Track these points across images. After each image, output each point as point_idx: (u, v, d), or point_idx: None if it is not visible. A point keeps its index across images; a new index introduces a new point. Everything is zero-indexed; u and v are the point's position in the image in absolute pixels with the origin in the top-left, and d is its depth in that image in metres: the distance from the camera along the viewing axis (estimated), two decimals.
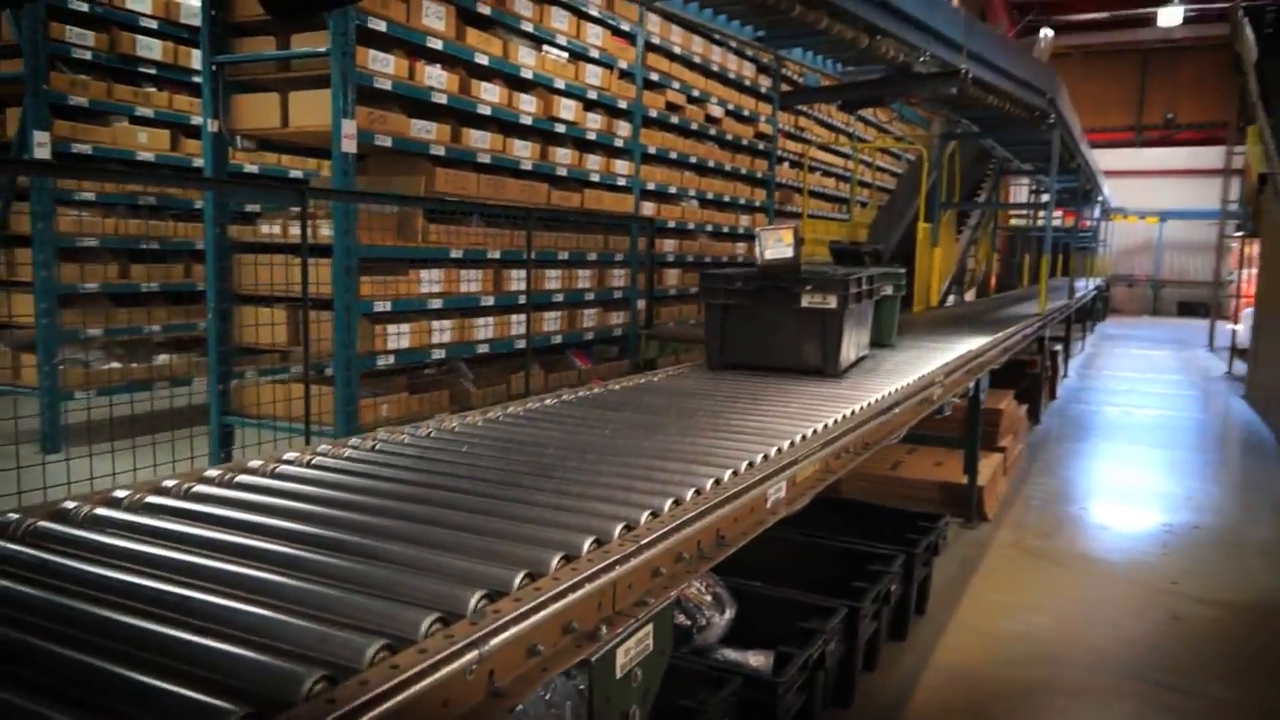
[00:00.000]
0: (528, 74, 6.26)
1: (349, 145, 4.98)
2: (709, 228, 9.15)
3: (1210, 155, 23.33)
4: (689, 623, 2.93)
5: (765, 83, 10.03)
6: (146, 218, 7.01)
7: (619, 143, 7.43)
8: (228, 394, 5.36)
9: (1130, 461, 7.26)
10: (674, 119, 8.27)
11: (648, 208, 7.94)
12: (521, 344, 6.27)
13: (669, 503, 1.88)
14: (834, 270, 4.98)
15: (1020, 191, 20.45)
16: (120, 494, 1.80)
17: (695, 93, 8.58)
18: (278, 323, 5.15)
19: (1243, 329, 12.75)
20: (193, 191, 7.05)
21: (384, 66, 5.19)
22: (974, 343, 5.53)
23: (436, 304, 5.62)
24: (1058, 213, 14.18)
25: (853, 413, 3.02)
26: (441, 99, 5.59)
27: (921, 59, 6.02)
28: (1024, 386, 8.00)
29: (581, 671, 1.55)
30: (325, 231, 5.01)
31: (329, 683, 1.10)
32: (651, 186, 7.95)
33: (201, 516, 1.71)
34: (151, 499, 1.79)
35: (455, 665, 1.21)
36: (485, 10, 5.89)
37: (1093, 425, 8.73)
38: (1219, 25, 20.13)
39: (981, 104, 7.31)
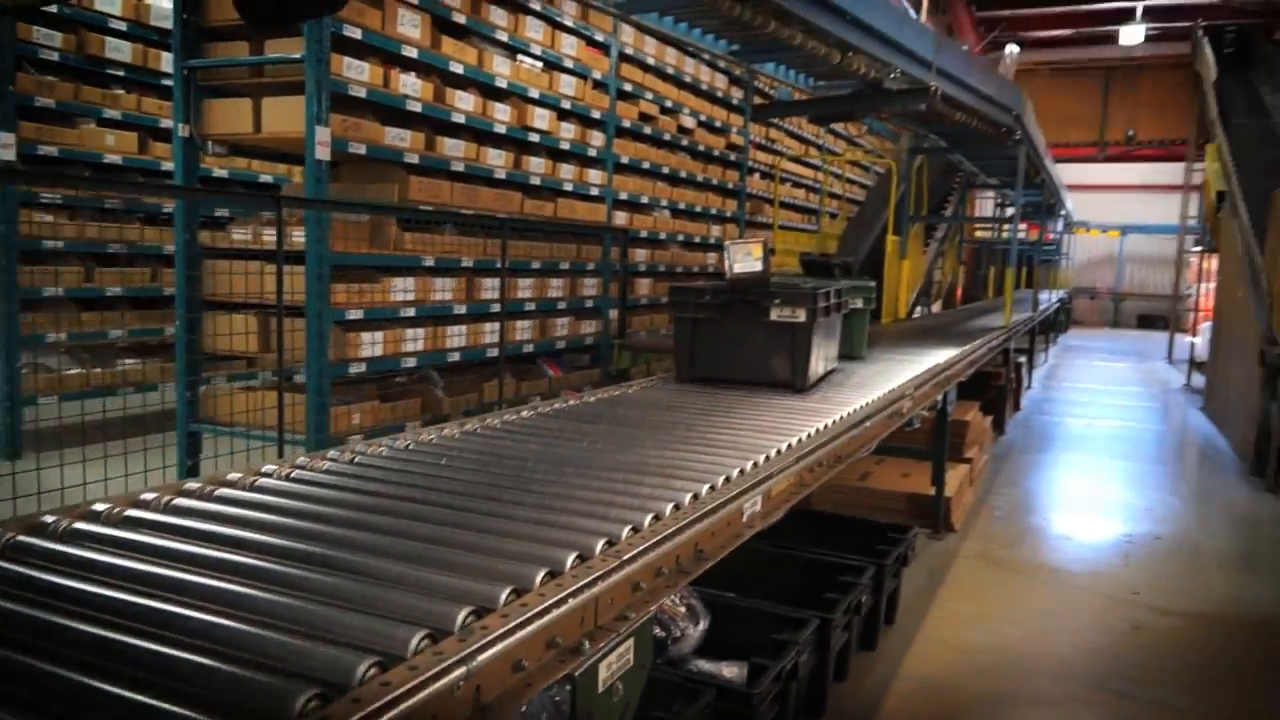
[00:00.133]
0: (502, 83, 6.27)
1: (322, 152, 4.97)
2: (681, 237, 9.20)
3: (1170, 171, 23.78)
4: (664, 634, 2.95)
5: (737, 95, 10.11)
6: (112, 221, 6.92)
7: (592, 152, 7.46)
8: (195, 401, 5.31)
9: (1092, 472, 7.39)
10: (647, 129, 8.31)
11: (620, 217, 7.97)
12: (493, 352, 6.27)
13: (649, 518, 1.91)
14: (803, 283, 5.03)
15: (986, 205, 20.76)
16: (99, 507, 1.79)
17: (668, 104, 8.63)
18: (249, 331, 5.11)
19: (1201, 342, 13.01)
20: (151, 195, 6.98)
21: (358, 74, 5.18)
22: (941, 355, 5.62)
23: (409, 312, 5.60)
24: (1022, 226, 14.40)
25: (825, 426, 3.06)
26: (416, 107, 5.59)
27: (892, 75, 6.11)
28: (989, 398, 8.12)
29: (561, 686, 1.57)
30: (298, 238, 4.98)
31: (321, 700, 1.11)
32: (624, 196, 7.99)
33: (183, 530, 1.71)
34: (131, 512, 1.78)
35: (444, 682, 1.22)
36: (460, 19, 5.89)
37: (1056, 436, 8.88)
38: (1179, 44, 20.55)
39: (950, 120, 7.43)
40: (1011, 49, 19.05)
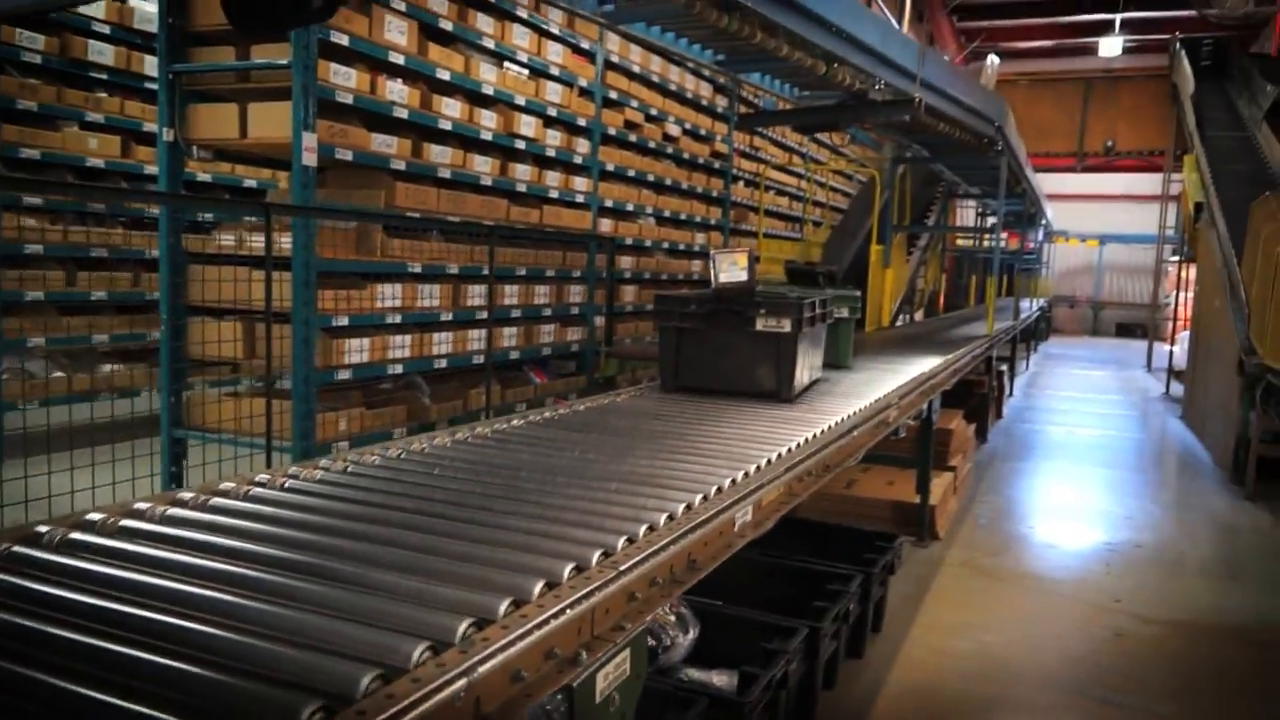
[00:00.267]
0: (489, 90, 6.27)
1: (309, 158, 4.95)
2: (665, 245, 9.22)
3: (1148, 181, 24.05)
4: (654, 643, 2.96)
5: (722, 103, 10.15)
6: (95, 225, 6.87)
7: (578, 159, 7.47)
8: (180, 407, 5.27)
9: (1074, 480, 7.45)
10: (632, 137, 8.33)
11: (605, 224, 7.98)
12: (479, 359, 6.26)
13: (643, 529, 1.92)
14: (789, 292, 5.06)
15: (967, 214, 20.91)
16: (94, 517, 1.78)
17: (653, 111, 8.65)
18: (235, 339, 5.08)
19: (1180, 351, 13.16)
20: (128, 199, 6.94)
21: (346, 80, 5.17)
22: (926, 364, 5.66)
23: (395, 319, 5.59)
24: (1003, 235, 14.52)
25: (814, 436, 3.08)
26: (403, 113, 5.58)
27: (877, 86, 6.17)
28: (972, 406, 8.17)
29: (558, 696, 1.57)
30: (284, 244, 4.96)
31: (326, 712, 1.11)
32: (609, 203, 8.00)
33: (179, 541, 1.70)
34: (126, 522, 1.78)
35: (446, 694, 1.22)
36: (447, 26, 5.89)
37: (1037, 444, 8.95)
38: (1157, 56, 20.81)
39: (933, 130, 7.50)
40: (992, 59, 19.22)
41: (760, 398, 3.87)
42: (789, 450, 2.81)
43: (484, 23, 6.20)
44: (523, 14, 6.60)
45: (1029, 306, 14.87)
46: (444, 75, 5.86)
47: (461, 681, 1.25)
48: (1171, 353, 13.71)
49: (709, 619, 3.16)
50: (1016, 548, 5.44)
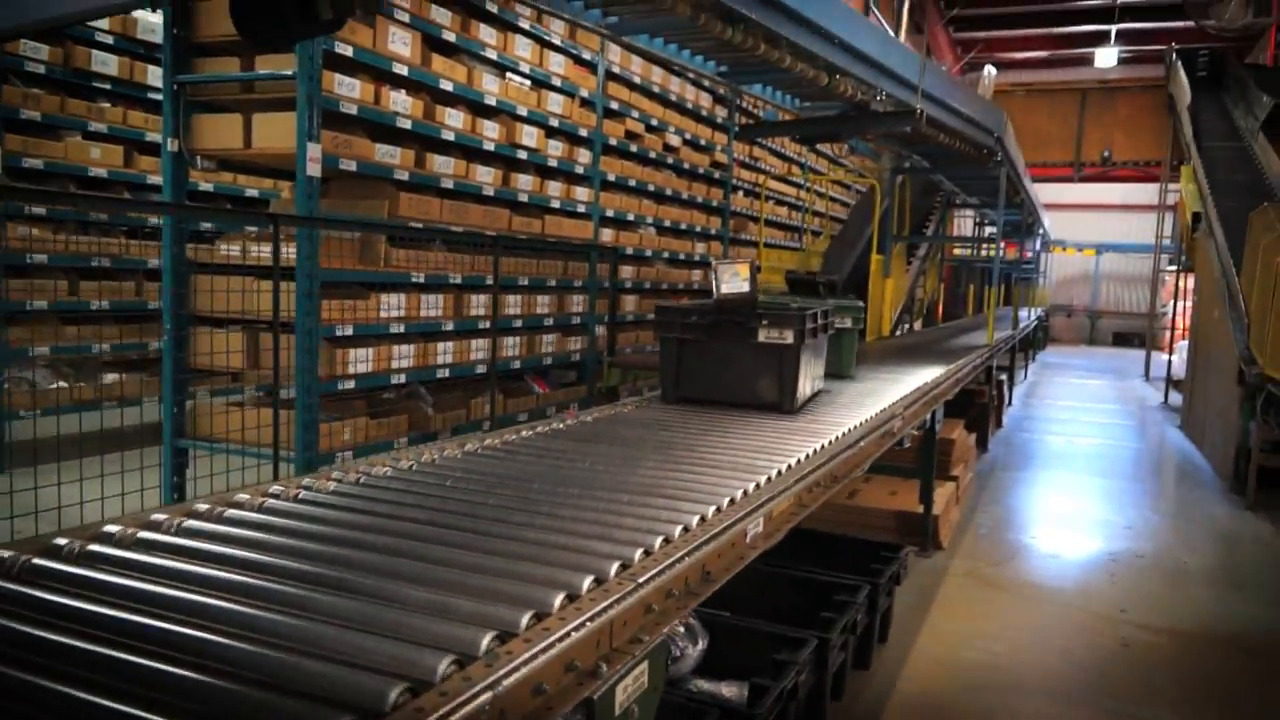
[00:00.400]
0: (491, 100, 6.30)
1: (313, 169, 4.97)
2: (666, 255, 9.23)
3: (1145, 191, 24.16)
4: None
5: (722, 113, 10.19)
6: (97, 235, 6.87)
7: (579, 169, 7.49)
8: (182, 417, 5.27)
9: (1075, 490, 7.46)
10: (633, 147, 8.36)
11: (606, 234, 8.00)
12: (481, 369, 6.27)
13: (659, 540, 1.92)
14: (790, 302, 5.06)
15: (963, 223, 20.98)
16: (111, 529, 1.78)
17: (654, 122, 8.68)
18: (237, 350, 5.08)
19: (1178, 361, 13.18)
20: (137, 210, 6.94)
21: (350, 91, 5.19)
22: (928, 374, 5.67)
23: (398, 328, 5.60)
24: (1002, 245, 14.56)
25: (822, 447, 3.09)
26: (406, 124, 5.60)
27: (878, 97, 6.19)
28: (973, 415, 8.19)
29: (577, 709, 1.57)
30: (287, 254, 4.96)
31: None
32: (610, 213, 8.02)
33: (198, 553, 1.70)
34: (144, 534, 1.78)
35: (472, 707, 1.23)
36: (450, 37, 5.92)
37: (1037, 454, 8.96)
38: (1152, 67, 20.91)
39: (933, 141, 7.52)
40: (989, 70, 19.34)
41: (762, 410, 3.84)
42: (799, 461, 2.81)
43: (487, 34, 6.22)
44: (525, 25, 6.62)
45: (1027, 316, 14.90)
46: (447, 86, 5.87)
47: (487, 695, 1.26)
48: (1170, 362, 13.73)
49: (717, 630, 3.16)
50: (1020, 557, 5.45)
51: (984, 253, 20.12)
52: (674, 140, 9.16)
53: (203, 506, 1.98)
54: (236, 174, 7.51)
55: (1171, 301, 17.42)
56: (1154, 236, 17.35)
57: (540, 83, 6.90)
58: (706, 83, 9.67)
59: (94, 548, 1.68)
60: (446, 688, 1.22)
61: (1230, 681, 3.96)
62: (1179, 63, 14.62)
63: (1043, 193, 17.82)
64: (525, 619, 1.46)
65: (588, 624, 1.52)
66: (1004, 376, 10.92)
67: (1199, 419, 9.83)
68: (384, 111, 5.43)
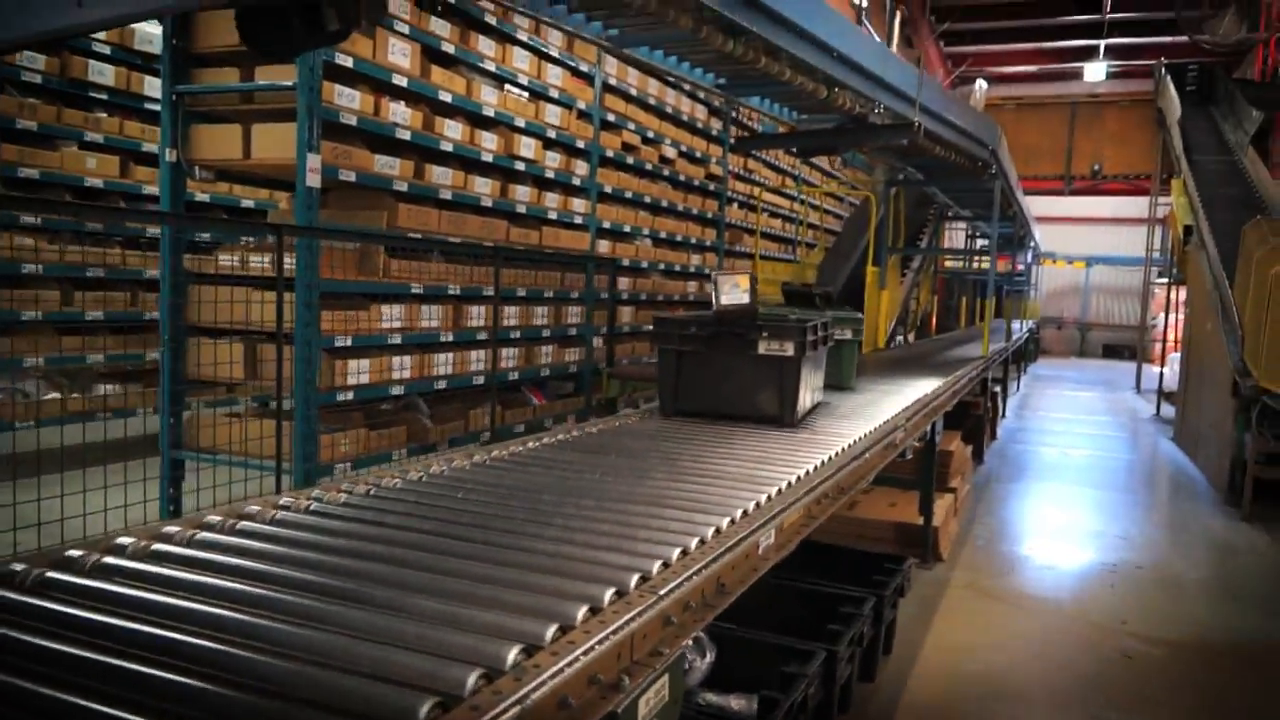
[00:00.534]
0: (489, 112, 6.30)
1: (313, 179, 4.96)
2: (661, 266, 9.24)
3: (1135, 204, 24.32)
4: None
5: (717, 125, 10.22)
6: (92, 245, 6.84)
7: (576, 181, 7.50)
8: (179, 428, 5.24)
9: (1071, 502, 7.47)
10: (629, 159, 8.37)
11: (603, 246, 8.00)
12: (479, 380, 6.25)
13: (676, 552, 1.91)
14: (789, 314, 5.05)
15: (954, 236, 21.06)
16: (124, 541, 1.76)
17: (650, 134, 8.70)
18: (235, 360, 5.06)
19: (1169, 373, 13.24)
20: (139, 221, 6.91)
21: (349, 102, 5.18)
22: (926, 385, 5.67)
23: (396, 339, 5.58)
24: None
25: (829, 459, 3.08)
26: (405, 135, 5.60)
27: (876, 110, 6.22)
28: (968, 427, 8.19)
29: None
30: (286, 265, 4.94)
31: None
32: (607, 225, 8.02)
33: (212, 566, 1.68)
34: (158, 546, 1.76)
35: None
36: (449, 49, 5.92)
37: (1032, 466, 8.97)
38: (1140, 82, 21.11)
39: (929, 154, 7.55)
40: (981, 84, 19.47)
41: (762, 422, 3.79)
42: (807, 473, 2.81)
43: (485, 45, 6.23)
44: (523, 37, 6.64)
45: (1019, 328, 14.95)
46: (446, 97, 5.88)
47: (515, 710, 1.24)
48: (1161, 374, 13.79)
49: (724, 642, 3.14)
50: (1020, 569, 5.44)
51: (976, 265, 20.22)
52: (670, 152, 9.18)
53: (214, 518, 1.96)
54: (233, 185, 7.48)
55: (1161, 314, 17.52)
56: (1143, 249, 17.46)
57: (538, 94, 6.91)
58: (702, 95, 9.71)
59: (107, 560, 1.66)
60: (478, 701, 1.21)
61: (1232, 692, 3.96)
62: (1168, 77, 14.73)
63: (1033, 206, 17.93)
64: (550, 631, 1.44)
65: (611, 637, 1.51)
66: (998, 388, 10.95)
67: (1192, 431, 9.87)
68: (383, 122, 5.43)
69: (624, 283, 8.50)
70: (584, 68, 7.47)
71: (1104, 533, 6.45)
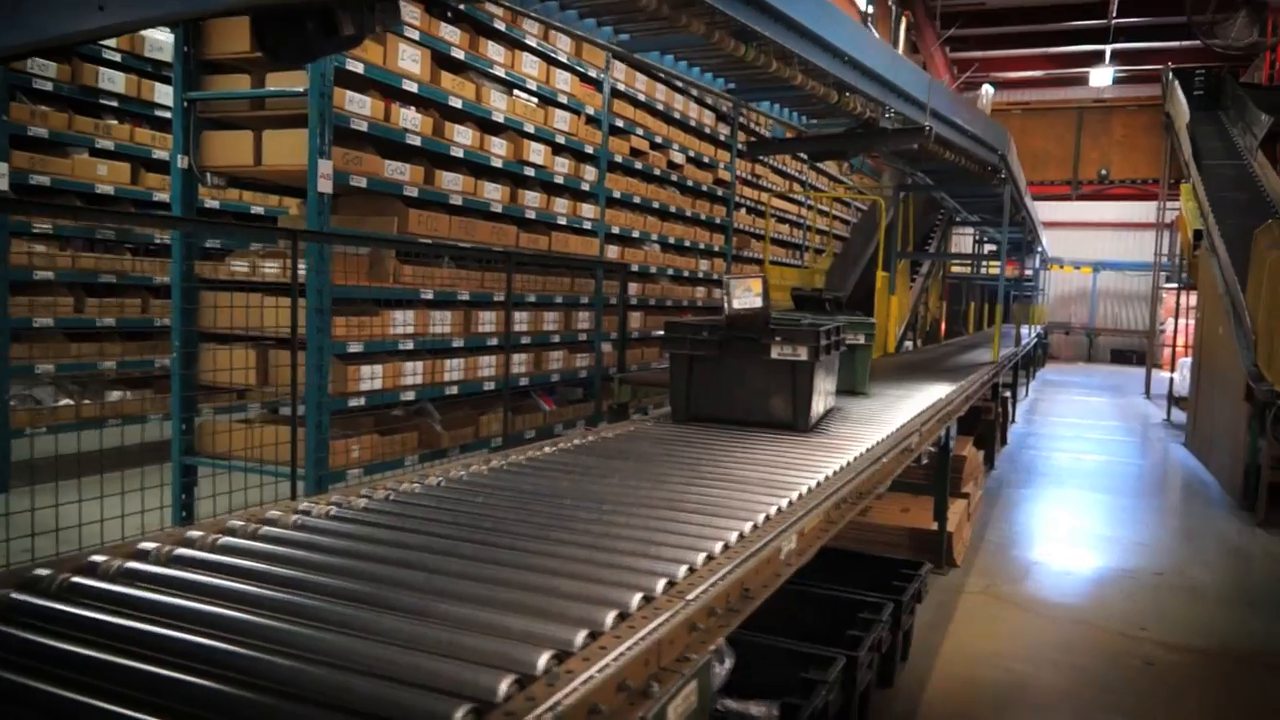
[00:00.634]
0: (499, 117, 6.30)
1: (325, 185, 4.95)
2: (670, 271, 9.23)
3: (1141, 209, 24.28)
4: None
5: (724, 130, 10.22)
6: (103, 252, 6.85)
7: (585, 186, 7.49)
8: (191, 434, 5.23)
9: (1085, 507, 7.43)
10: (638, 164, 8.37)
11: (612, 251, 7.99)
12: (489, 386, 6.24)
13: (701, 557, 1.89)
14: (801, 319, 5.03)
15: (961, 241, 21.03)
16: (147, 546, 1.75)
17: (658, 139, 8.70)
18: (248, 366, 5.05)
19: (1179, 377, 13.18)
20: (153, 226, 6.93)
21: (360, 108, 5.18)
22: (938, 390, 5.65)
23: (408, 345, 5.57)
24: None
25: (847, 463, 3.06)
26: (415, 140, 5.60)
27: (887, 114, 6.21)
28: (979, 432, 8.16)
29: None
30: (298, 270, 4.94)
31: None
32: (616, 230, 8.02)
33: (236, 571, 1.67)
34: (181, 551, 1.74)
35: None
36: (459, 55, 5.92)
37: (1044, 471, 8.93)
38: (1147, 86, 21.06)
39: (939, 158, 7.54)
40: (988, 89, 19.46)
41: (776, 428, 3.75)
42: (827, 477, 2.79)
43: (495, 51, 6.23)
44: (532, 43, 6.64)
45: (1028, 333, 14.92)
46: (456, 103, 5.88)
47: (549, 716, 1.22)
48: (1171, 379, 13.73)
49: (742, 648, 3.11)
50: (1035, 575, 5.41)
51: (984, 270, 20.17)
52: (678, 157, 9.18)
53: (236, 523, 1.94)
54: (243, 192, 7.50)
55: (1170, 319, 17.46)
56: (1151, 254, 17.40)
57: (547, 100, 6.91)
58: (709, 100, 9.70)
59: (131, 565, 1.65)
60: (512, 707, 1.19)
61: (1256, 700, 3.92)
62: (1176, 82, 14.70)
63: (1040, 211, 17.89)
64: (580, 637, 1.43)
65: (640, 643, 1.49)
66: (1008, 393, 10.91)
67: (1204, 435, 9.82)
68: (394, 128, 5.43)
69: (632, 288, 8.48)
70: (592, 73, 7.47)
71: (1119, 538, 6.41)
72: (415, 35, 5.52)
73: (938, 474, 5.28)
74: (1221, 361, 8.89)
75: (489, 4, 6.00)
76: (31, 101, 6.42)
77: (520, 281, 6.57)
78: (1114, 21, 20.77)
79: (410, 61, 5.48)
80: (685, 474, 2.75)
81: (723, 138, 10.18)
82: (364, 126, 5.21)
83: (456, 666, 1.30)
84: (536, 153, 6.74)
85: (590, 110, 7.47)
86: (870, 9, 17.89)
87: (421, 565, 1.75)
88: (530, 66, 6.64)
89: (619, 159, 8.00)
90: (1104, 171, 20.39)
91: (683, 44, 4.98)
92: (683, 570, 1.79)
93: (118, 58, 6.89)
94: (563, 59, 7.06)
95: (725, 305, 3.95)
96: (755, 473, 2.81)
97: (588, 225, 7.56)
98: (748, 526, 2.15)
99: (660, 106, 8.71)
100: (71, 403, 6.45)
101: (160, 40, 7.06)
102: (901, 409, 4.62)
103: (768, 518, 2.27)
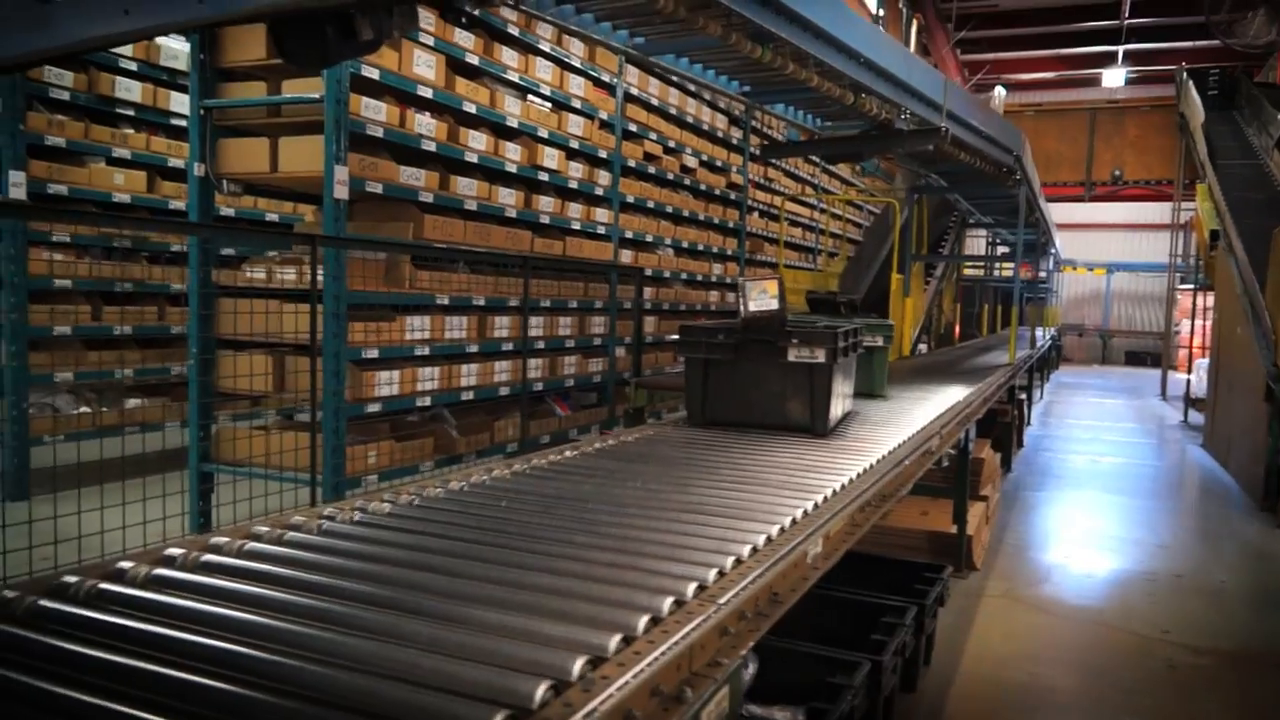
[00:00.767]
0: (513, 122, 6.30)
1: (341, 191, 4.96)
2: (684, 275, 9.22)
3: (1154, 210, 24.16)
4: None
5: (737, 134, 10.21)
6: (120, 260, 6.88)
7: (599, 191, 7.49)
8: (208, 441, 5.24)
9: (1103, 509, 7.37)
10: (651, 169, 8.37)
11: (626, 256, 7.99)
12: (504, 391, 6.23)
13: (730, 561, 1.87)
14: (816, 321, 5.00)
15: (972, 244, 20.95)
16: (174, 552, 1.74)
17: (671, 143, 8.70)
18: (265, 373, 5.06)
19: (1196, 379, 13.09)
20: (170, 235, 6.95)
21: (376, 114, 5.20)
22: (956, 393, 5.62)
23: (424, 351, 5.57)
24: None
25: (870, 466, 3.04)
26: (430, 146, 5.61)
27: (902, 115, 6.18)
28: (996, 435, 8.11)
29: None
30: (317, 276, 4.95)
31: None
32: (629, 234, 8.01)
33: (264, 577, 1.66)
34: (207, 558, 1.74)
35: None
36: (473, 60, 5.93)
37: (1061, 473, 8.87)
38: (1160, 87, 20.97)
39: (954, 160, 7.51)
40: (1000, 90, 19.40)
41: (794, 431, 3.71)
42: (851, 480, 2.77)
43: (509, 56, 6.24)
44: (545, 47, 6.64)
45: (1042, 335, 14.84)
46: (470, 108, 5.88)
47: None
48: (1188, 381, 13.63)
49: (765, 653, 3.09)
50: (1056, 578, 5.37)
51: (997, 272, 20.09)
52: (691, 162, 9.17)
53: (263, 529, 1.94)
54: (258, 199, 7.52)
55: (1185, 320, 17.34)
56: (1165, 255, 17.30)
57: (561, 104, 6.91)
58: (722, 104, 9.70)
59: (159, 571, 1.64)
60: (548, 714, 1.18)
61: None
62: (1190, 82, 14.63)
63: (1053, 212, 17.82)
64: (614, 642, 1.41)
65: (673, 648, 1.47)
66: (1024, 395, 10.85)
67: (1223, 437, 9.74)
68: (409, 134, 5.44)
69: (647, 293, 8.48)
70: (606, 78, 7.48)
71: (1138, 540, 6.36)
72: (430, 41, 5.53)
73: (957, 477, 5.24)
74: (1240, 362, 8.82)
75: (503, 10, 6.01)
76: (49, 111, 6.46)
77: (535, 287, 6.56)
78: (1126, 22, 20.69)
79: (425, 67, 5.49)
80: (707, 478, 2.73)
81: (735, 142, 10.17)
82: (379, 132, 5.22)
83: (490, 672, 1.28)
84: (550, 157, 6.75)
85: (604, 115, 7.47)
86: (881, 12, 17.88)
87: (449, 570, 1.73)
88: (544, 71, 6.65)
89: (632, 163, 8.00)
90: (1117, 172, 20.30)
91: (699, 46, 4.97)
92: (712, 574, 1.78)
93: (134, 67, 6.93)
94: (576, 64, 7.06)
95: (741, 308, 3.91)
96: (776, 476, 2.79)
97: (601, 230, 7.56)
98: (775, 530, 2.13)
99: (673, 111, 8.70)
100: (89, 410, 6.47)
101: (176, 49, 7.09)
102: (920, 411, 4.58)
103: (794, 520, 2.26)
